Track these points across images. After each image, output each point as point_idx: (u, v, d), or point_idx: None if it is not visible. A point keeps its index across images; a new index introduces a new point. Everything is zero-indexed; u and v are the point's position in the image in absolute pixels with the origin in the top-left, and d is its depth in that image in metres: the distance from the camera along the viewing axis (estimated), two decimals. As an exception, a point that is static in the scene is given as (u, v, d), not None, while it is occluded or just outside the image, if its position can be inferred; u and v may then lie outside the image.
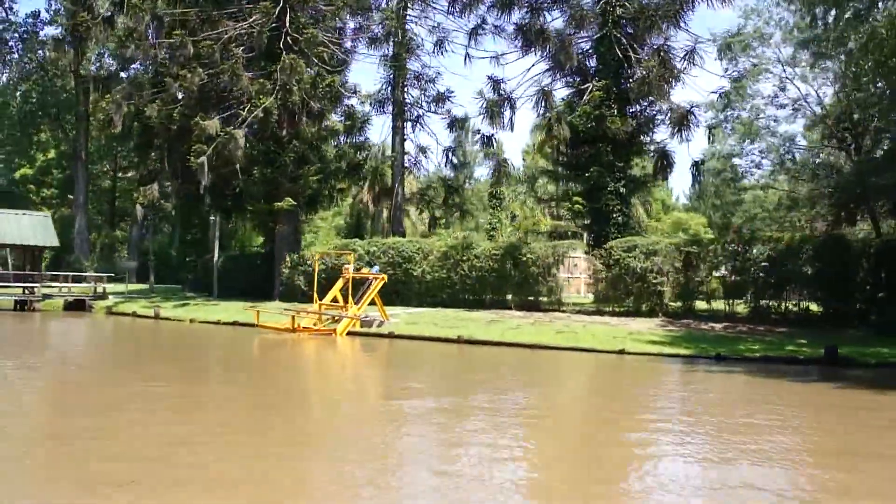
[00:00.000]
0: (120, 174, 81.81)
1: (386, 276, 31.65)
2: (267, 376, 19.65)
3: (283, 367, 21.90)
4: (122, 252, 73.06)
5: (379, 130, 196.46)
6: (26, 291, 40.96)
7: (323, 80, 39.37)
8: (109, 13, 42.69)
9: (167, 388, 16.15)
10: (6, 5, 68.17)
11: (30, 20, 68.65)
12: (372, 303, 30.61)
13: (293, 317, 29.84)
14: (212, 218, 42.47)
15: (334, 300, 31.58)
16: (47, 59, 69.79)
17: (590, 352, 25.05)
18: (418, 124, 42.74)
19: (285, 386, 17.80)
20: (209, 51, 37.09)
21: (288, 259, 39.97)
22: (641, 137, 38.40)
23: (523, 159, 70.07)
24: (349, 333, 29.21)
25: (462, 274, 35.64)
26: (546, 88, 35.28)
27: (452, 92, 42.54)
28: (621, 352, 24.55)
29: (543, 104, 35.46)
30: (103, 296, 41.88)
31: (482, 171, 72.35)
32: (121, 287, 45.47)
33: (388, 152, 46.56)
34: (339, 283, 31.67)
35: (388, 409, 14.68)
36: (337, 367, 22.62)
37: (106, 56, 67.15)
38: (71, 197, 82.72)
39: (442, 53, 40.28)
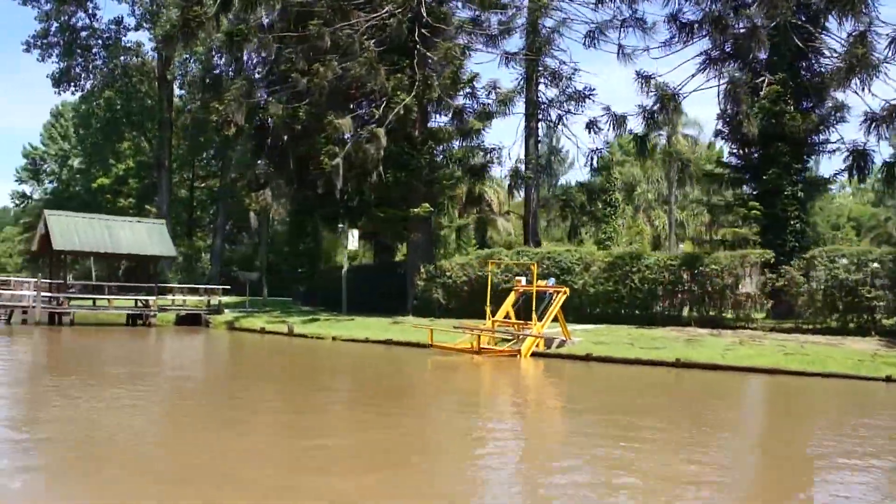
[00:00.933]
0: (197, 183, 78.32)
1: (568, 290, 27.23)
2: (486, 409, 15.34)
3: (489, 402, 17.58)
4: (205, 263, 69.31)
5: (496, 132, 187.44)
6: (139, 304, 37.13)
7: (458, 75, 35.26)
8: (219, 6, 38.95)
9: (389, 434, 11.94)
10: (90, 12, 65.05)
11: (113, 26, 65.57)
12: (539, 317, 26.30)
13: (478, 336, 25.54)
14: (340, 225, 38.36)
15: (506, 316, 27.31)
16: (130, 65, 66.57)
17: (842, 378, 20.62)
18: (560, 124, 38.27)
19: (509, 433, 13.47)
20: (348, 42, 33.01)
21: (423, 270, 35.87)
22: (819, 136, 33.75)
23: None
24: (532, 354, 24.94)
25: (632, 286, 31.27)
26: (735, 81, 30.70)
27: (594, 90, 38.16)
28: (888, 379, 20.10)
29: (731, 100, 30.86)
30: (219, 310, 37.94)
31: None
32: (228, 300, 41.42)
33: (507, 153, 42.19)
34: (511, 298, 27.42)
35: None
36: (553, 405, 18.06)
37: (192, 60, 63.67)
38: (148, 207, 79.50)
39: (594, 45, 35.77)
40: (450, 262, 36.55)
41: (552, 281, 28.71)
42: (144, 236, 36.15)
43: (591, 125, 38.77)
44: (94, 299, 37.91)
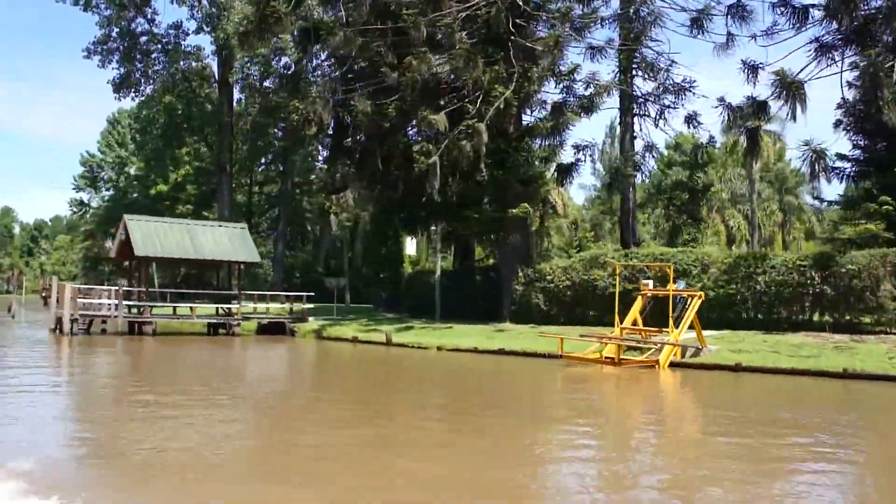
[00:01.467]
0: (256, 188, 76.58)
1: (703, 293, 24.65)
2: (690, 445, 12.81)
3: (681, 427, 15.01)
4: (266, 269, 67.48)
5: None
6: (220, 312, 35.12)
7: (558, 66, 32.85)
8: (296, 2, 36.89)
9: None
10: (148, 17, 63.56)
11: (172, 31, 64.04)
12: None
13: (618, 346, 23.05)
14: (432, 228, 36.06)
15: (633, 323, 24.79)
16: (190, 69, 64.99)
17: None
18: (661, 119, 35.54)
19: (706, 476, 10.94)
20: (447, 32, 30.72)
21: (521, 274, 33.50)
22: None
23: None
24: (669, 365, 22.44)
25: (757, 289, 28.61)
26: (874, 64, 27.87)
27: (694, 82, 35.46)
28: None
29: (866, 85, 28.05)
30: (303, 317, 35.79)
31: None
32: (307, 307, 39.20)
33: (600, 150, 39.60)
34: (639, 303, 24.91)
35: None
36: (751, 429, 15.42)
37: (252, 63, 61.86)
38: (206, 213, 77.90)
39: (702, 32, 33.02)
40: (550, 265, 34.12)
41: (681, 284, 26.16)
42: (226, 241, 34.08)
43: (691, 119, 36.17)
44: (174, 307, 36.03)
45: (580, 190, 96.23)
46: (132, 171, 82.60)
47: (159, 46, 63.80)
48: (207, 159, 73.06)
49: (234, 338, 33.30)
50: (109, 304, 32.77)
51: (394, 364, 25.28)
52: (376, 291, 42.61)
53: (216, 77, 65.22)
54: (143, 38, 63.90)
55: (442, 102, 34.50)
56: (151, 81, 63.92)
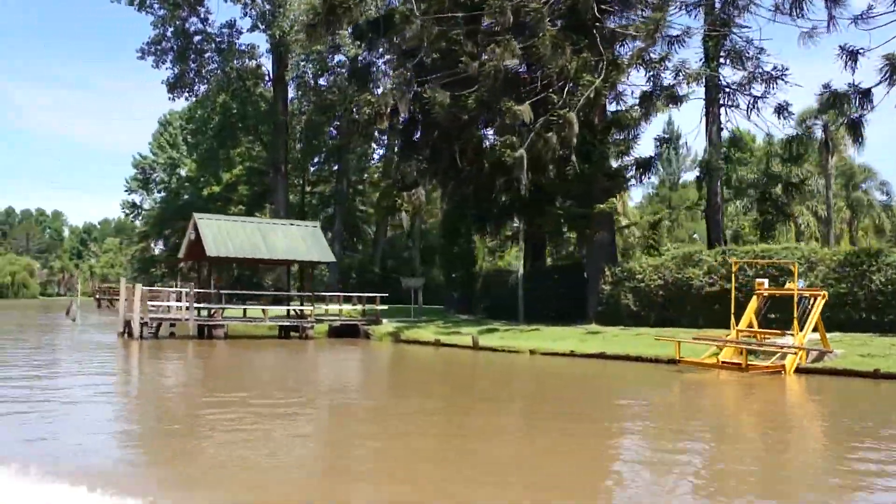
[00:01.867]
0: (308, 188, 75.15)
1: (826, 293, 22.50)
2: None
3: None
4: (323, 270, 65.93)
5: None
6: (292, 313, 33.57)
7: (646, 54, 30.85)
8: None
9: None
10: (202, 16, 62.44)
11: (226, 30, 62.88)
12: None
13: (743, 351, 20.99)
14: (515, 224, 34.17)
15: (749, 325, 22.74)
16: (245, 68, 63.77)
17: None
18: (753, 109, 33.29)
19: None
20: (534, 18, 28.84)
21: (608, 273, 31.52)
22: None
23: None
24: (795, 370, 20.37)
25: (872, 289, 26.37)
26: None
27: (786, 69, 33.21)
28: None
29: None
30: (377, 319, 34.10)
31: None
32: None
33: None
34: (754, 303, 22.84)
35: None
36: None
37: (308, 59, 60.41)
38: (258, 214, 76.71)
39: (800, 14, 30.83)
40: (639, 262, 32.08)
41: (802, 283, 24.00)
42: (300, 241, 32.45)
43: (782, 109, 33.97)
44: (244, 309, 34.55)
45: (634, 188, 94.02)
46: (182, 172, 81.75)
47: (213, 45, 62.72)
48: (259, 159, 71.90)
49: (307, 341, 31.67)
50: (180, 307, 31.31)
51: (488, 370, 23.47)
52: (446, 292, 40.74)
53: (271, 75, 63.98)
54: (197, 38, 62.87)
55: (522, 93, 32.66)
56: (205, 81, 62.83)
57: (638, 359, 23.63)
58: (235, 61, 62.55)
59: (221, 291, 31.93)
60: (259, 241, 31.29)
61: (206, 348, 28.42)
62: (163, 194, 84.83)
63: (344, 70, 63.69)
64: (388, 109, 35.15)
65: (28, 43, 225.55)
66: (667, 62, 31.45)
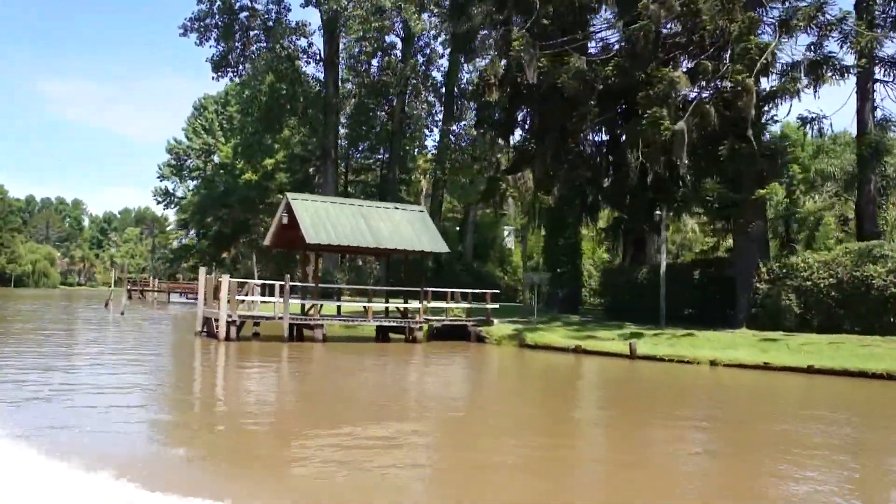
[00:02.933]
0: (352, 176, 69.70)
1: None
2: None
3: None
4: (372, 263, 60.70)
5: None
6: (400, 312, 28.35)
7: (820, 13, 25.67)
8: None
9: None
10: (250, -7, 57.25)
11: (273, 6, 57.65)
12: None
13: None
14: (657, 213, 28.89)
15: None
16: (295, 47, 58.43)
17: None
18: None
19: None
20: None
21: (763, 269, 26.33)
22: None
23: None
24: None
25: None
26: None
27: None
28: None
29: None
30: (487, 320, 28.87)
31: None
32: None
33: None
34: None
35: None
36: None
37: (365, 36, 54.94)
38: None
39: None
40: (803, 258, 26.83)
41: None
42: (406, 227, 27.14)
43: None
44: (338, 306, 29.40)
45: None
46: (216, 158, 76.30)
47: (259, 22, 57.48)
48: (300, 146, 66.50)
49: (414, 345, 26.46)
50: (270, 302, 26.13)
51: (673, 386, 18.17)
52: (552, 290, 35.45)
53: (321, 55, 58.66)
54: (243, 14, 57.63)
55: (668, 59, 27.47)
56: (251, 60, 57.43)
57: (862, 374, 18.55)
58: (285, 39, 57.17)
59: (322, 285, 26.68)
60: (363, 227, 26.01)
61: (306, 353, 23.26)
62: (195, 182, 79.62)
63: (398, 51, 58.68)
64: (497, 80, 30.07)
65: (48, 33, 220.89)
66: (845, 23, 26.08)
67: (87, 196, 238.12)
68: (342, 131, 63.18)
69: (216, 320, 25.29)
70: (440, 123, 59.30)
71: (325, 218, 25.62)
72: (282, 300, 25.04)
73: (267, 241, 27.76)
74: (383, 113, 61.73)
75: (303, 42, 59.08)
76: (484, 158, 41.04)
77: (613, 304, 31.20)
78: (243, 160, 64.23)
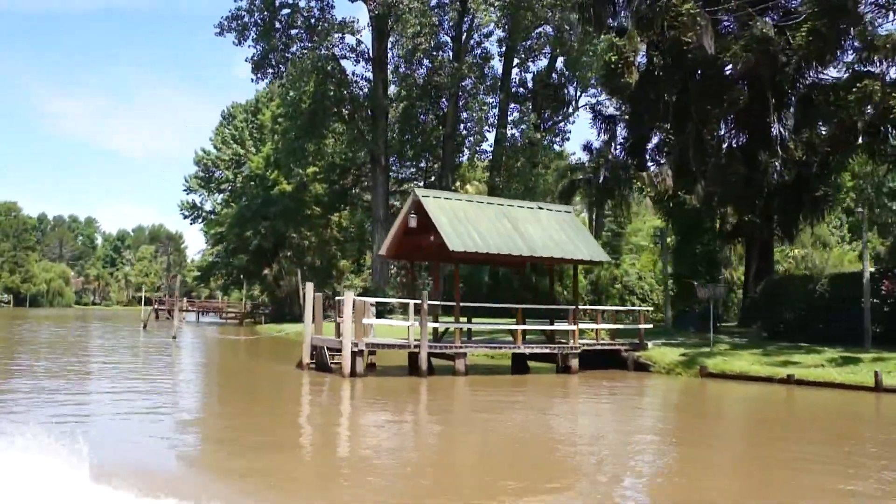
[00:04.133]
0: (394, 187, 64.01)
1: None
2: None
3: None
4: (425, 278, 55.06)
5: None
6: (546, 336, 22.69)
7: None
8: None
9: None
10: (291, -11, 51.91)
11: (315, 2, 52.28)
12: None
13: None
14: (858, 209, 23.38)
15: None
16: (342, 44, 52.93)
17: None
18: None
19: None
20: None
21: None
22: None
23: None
24: None
25: None
26: None
27: None
28: None
29: None
30: (641, 344, 23.24)
31: None
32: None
33: None
34: None
35: None
36: None
37: (420, 32, 49.35)
38: (335, 217, 65.79)
39: None
40: None
41: None
42: (558, 232, 21.54)
43: None
44: (468, 329, 23.69)
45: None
46: (244, 170, 70.37)
47: (302, 19, 52.08)
48: (336, 155, 60.70)
49: (568, 376, 20.87)
50: (399, 325, 20.57)
51: None
52: (682, 304, 29.90)
53: (370, 54, 53.23)
54: (285, 12, 52.20)
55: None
56: (295, 59, 51.81)
57: None
58: (331, 36, 51.64)
59: (463, 304, 21.03)
60: (510, 231, 20.43)
61: (452, 390, 17.78)
62: (222, 195, 73.92)
63: (449, 50, 53.24)
64: (636, 56, 24.70)
65: (59, 50, 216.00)
66: None
67: (97, 214, 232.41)
68: (395, 136, 57.69)
69: (329, 349, 19.73)
70: (494, 127, 54.09)
71: (464, 220, 20.06)
72: (415, 323, 19.39)
73: (383, 251, 22.05)
74: (433, 117, 56.21)
75: (350, 40, 53.75)
76: (540, 163, 35.57)
77: (775, 322, 25.52)
78: (284, 168, 58.42)
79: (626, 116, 28.47)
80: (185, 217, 73.67)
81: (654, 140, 29.30)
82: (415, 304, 19.61)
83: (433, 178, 61.13)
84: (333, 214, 64.51)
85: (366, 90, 53.46)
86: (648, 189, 25.72)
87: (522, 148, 51.45)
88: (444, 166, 54.94)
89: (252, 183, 67.08)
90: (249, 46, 53.03)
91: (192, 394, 16.86)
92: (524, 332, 21.29)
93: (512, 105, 55.13)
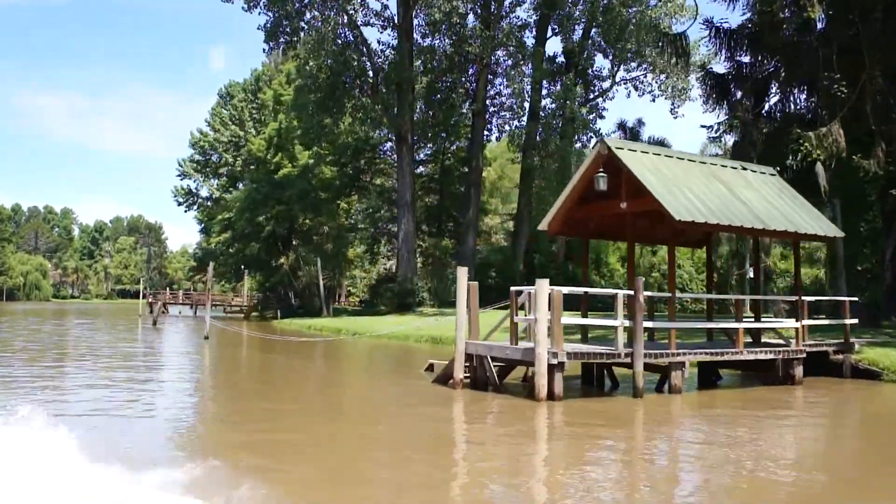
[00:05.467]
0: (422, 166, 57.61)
1: None
2: None
3: None
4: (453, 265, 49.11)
5: None
6: (752, 336, 16.74)
7: None
8: None
9: None
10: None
11: (332, -34, 45.88)
12: None
13: None
14: None
15: None
16: (366, 10, 46.75)
17: None
18: None
19: None
20: None
21: None
22: None
23: None
24: None
25: None
26: None
27: None
28: None
29: None
30: (848, 344, 17.51)
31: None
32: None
33: None
34: None
35: None
36: None
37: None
38: (344, 203, 59.32)
39: None
40: None
41: None
42: (777, 198, 15.77)
43: None
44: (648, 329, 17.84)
45: None
46: (243, 153, 63.50)
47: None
48: (347, 134, 54.24)
49: (793, 387, 15.18)
50: (605, 326, 14.66)
51: None
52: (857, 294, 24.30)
53: (395, 21, 47.08)
54: (299, -26, 45.80)
55: None
56: (313, 27, 45.41)
57: None
58: (354, 2, 45.43)
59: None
60: (730, 198, 14.64)
61: (714, 420, 11.97)
62: (217, 180, 67.13)
63: (475, 22, 47.23)
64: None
65: (38, 46, 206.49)
66: None
67: (73, 205, 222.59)
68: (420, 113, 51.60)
69: (493, 359, 13.81)
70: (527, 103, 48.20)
71: (675, 182, 14.16)
72: (626, 322, 13.49)
73: (544, 225, 15.79)
74: (463, 90, 50.22)
75: (375, 4, 47.57)
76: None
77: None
78: (295, 147, 51.95)
79: (763, 74, 22.76)
80: (180, 204, 66.69)
81: (801, 99, 23.71)
82: (625, 295, 13.60)
83: (450, 161, 55.32)
84: (342, 199, 58.06)
85: (390, 61, 47.19)
86: (817, 151, 20.04)
87: (566, 122, 45.46)
88: (474, 144, 49.00)
89: (252, 167, 60.41)
90: (260, 13, 46.65)
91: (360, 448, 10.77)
92: (744, 332, 15.39)
93: (545, 81, 49.10)
